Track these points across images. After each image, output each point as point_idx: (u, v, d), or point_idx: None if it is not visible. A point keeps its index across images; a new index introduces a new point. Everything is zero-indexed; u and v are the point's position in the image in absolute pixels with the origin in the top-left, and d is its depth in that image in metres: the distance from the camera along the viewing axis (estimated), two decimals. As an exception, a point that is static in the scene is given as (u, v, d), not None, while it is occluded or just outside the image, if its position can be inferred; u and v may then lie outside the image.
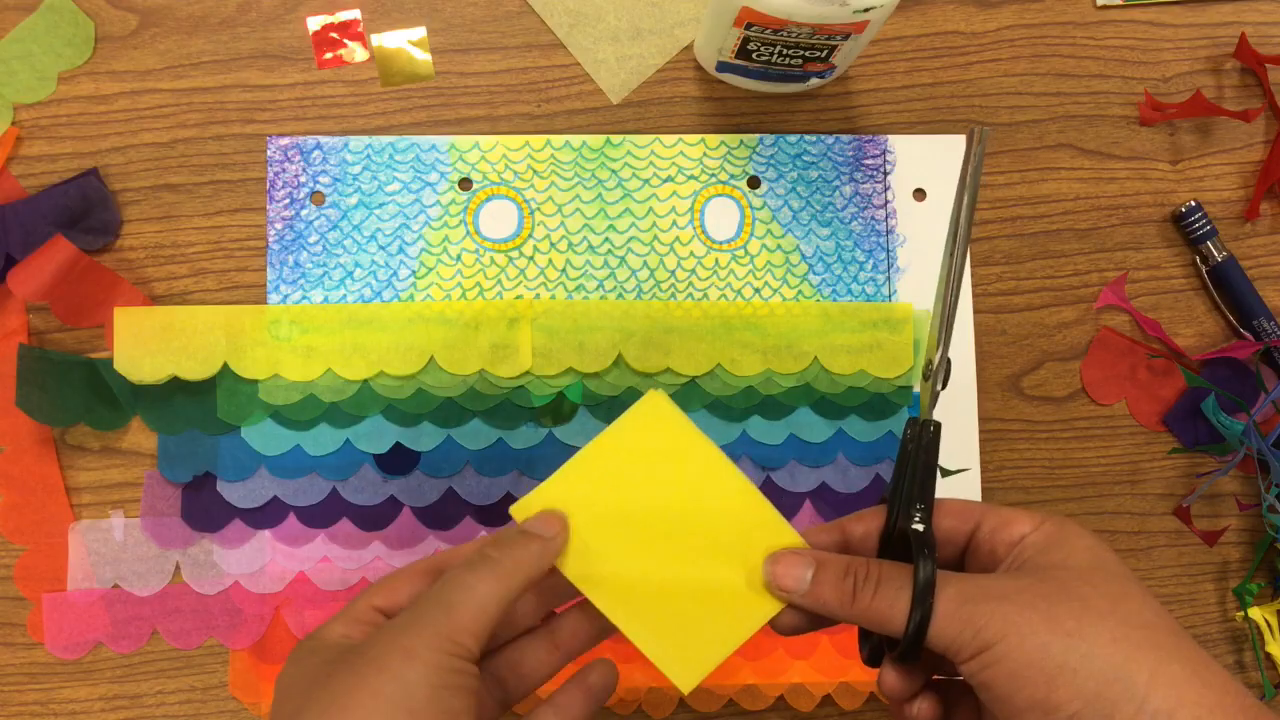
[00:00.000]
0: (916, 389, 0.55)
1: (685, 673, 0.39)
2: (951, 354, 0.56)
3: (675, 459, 0.41)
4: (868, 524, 0.39)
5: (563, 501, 0.40)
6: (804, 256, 0.56)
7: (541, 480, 0.41)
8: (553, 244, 0.55)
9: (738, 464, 0.54)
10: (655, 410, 0.41)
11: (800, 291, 0.56)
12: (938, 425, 0.38)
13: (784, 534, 0.40)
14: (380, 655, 0.34)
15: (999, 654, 0.32)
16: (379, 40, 0.56)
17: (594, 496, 0.40)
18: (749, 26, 0.49)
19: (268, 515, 0.53)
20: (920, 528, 0.37)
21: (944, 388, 0.39)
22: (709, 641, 0.40)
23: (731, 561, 0.40)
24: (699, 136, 0.56)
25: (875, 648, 0.39)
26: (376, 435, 0.53)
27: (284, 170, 0.55)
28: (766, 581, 0.39)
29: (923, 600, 0.34)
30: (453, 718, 0.33)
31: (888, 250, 0.56)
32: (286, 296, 0.54)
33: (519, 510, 0.40)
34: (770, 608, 0.40)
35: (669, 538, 0.40)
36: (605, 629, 0.41)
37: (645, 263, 0.55)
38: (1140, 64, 0.58)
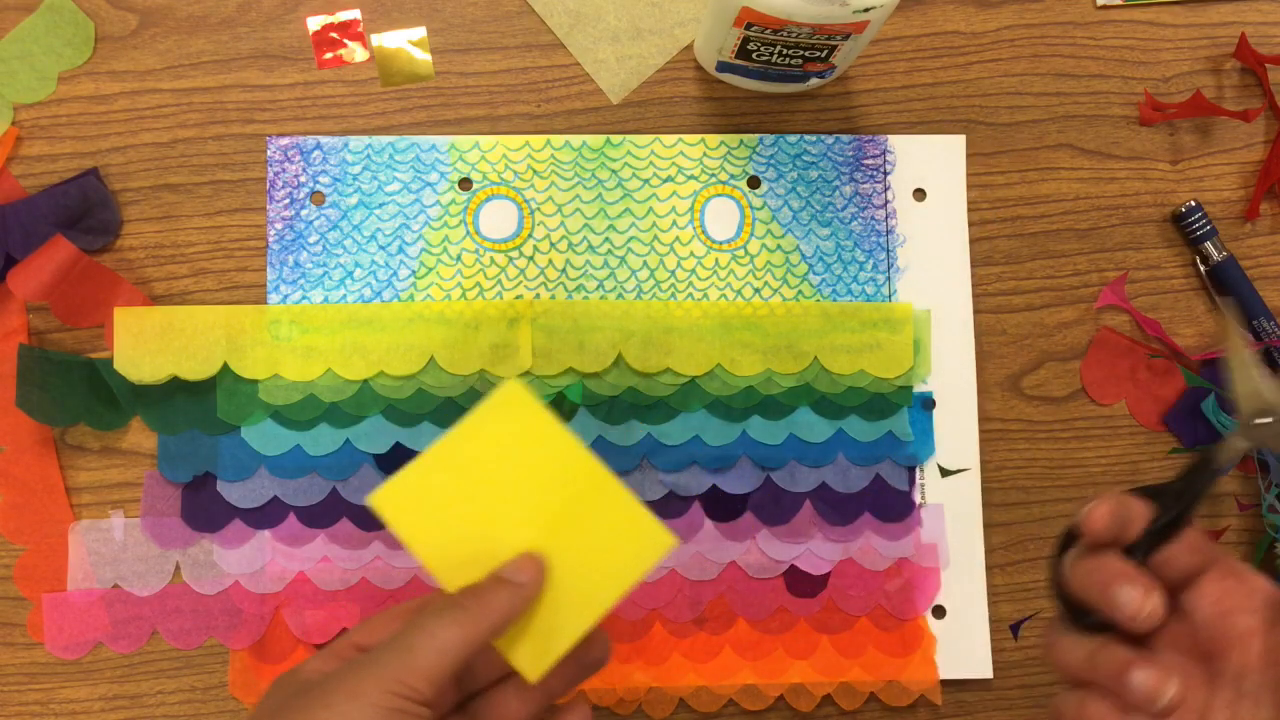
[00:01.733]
0: (917, 389, 0.55)
1: (532, 661, 0.39)
2: (952, 354, 0.56)
3: (534, 448, 0.41)
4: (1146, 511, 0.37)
5: (422, 488, 0.40)
6: (804, 256, 0.56)
7: None
8: (553, 244, 0.55)
9: (738, 465, 0.54)
10: (513, 399, 0.41)
11: (800, 291, 0.56)
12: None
13: (636, 514, 0.40)
14: (329, 693, 0.35)
15: None
16: (379, 40, 0.56)
17: (452, 484, 0.40)
18: (749, 26, 0.49)
19: (268, 515, 0.53)
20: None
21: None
22: (558, 627, 0.40)
23: (583, 546, 0.40)
24: (699, 136, 0.56)
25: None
26: (376, 435, 0.53)
27: (284, 170, 0.55)
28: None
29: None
30: None
31: (888, 250, 0.56)
32: (286, 296, 0.54)
33: (378, 499, 0.40)
34: (618, 589, 0.40)
35: (521, 525, 0.40)
36: (581, 675, 0.41)
37: (645, 263, 0.55)
38: (1140, 64, 0.58)
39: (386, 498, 0.40)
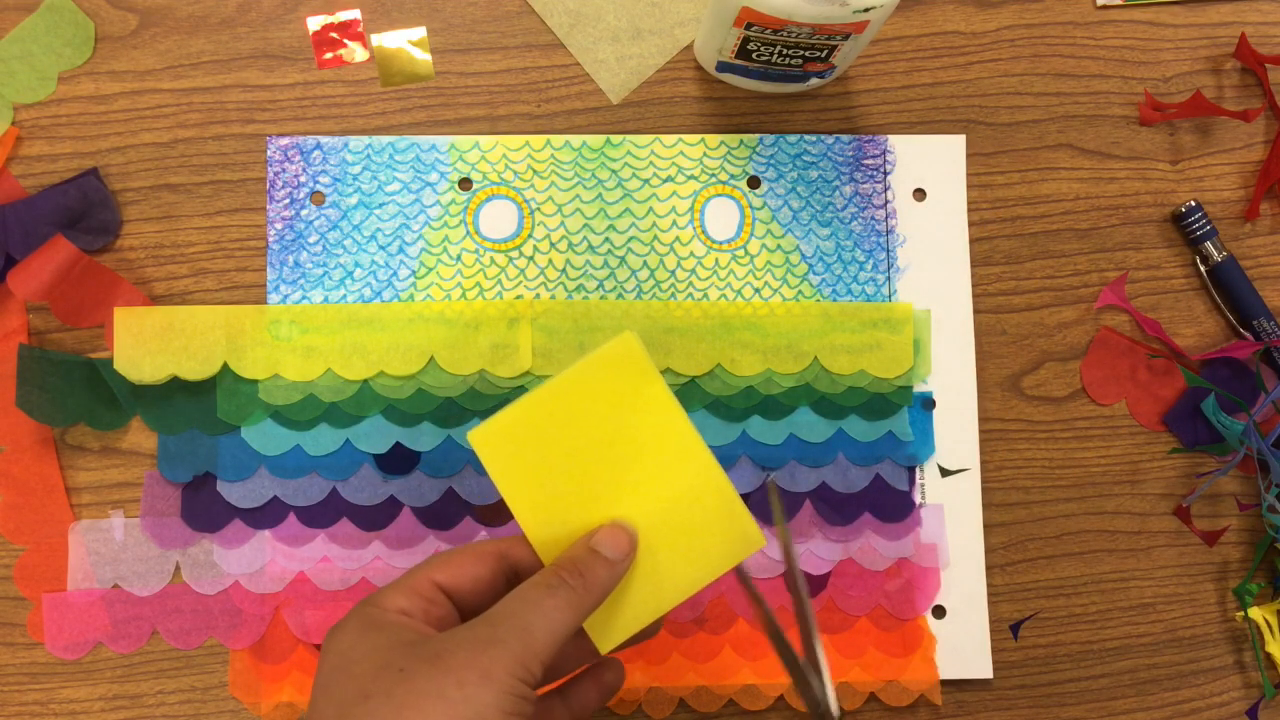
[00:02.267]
0: (917, 389, 0.55)
1: (605, 633, 0.39)
2: (952, 354, 0.56)
3: (638, 407, 0.40)
4: None
5: (520, 431, 0.39)
6: (804, 256, 0.56)
7: None
8: (553, 244, 0.55)
9: (737, 464, 0.54)
10: (625, 352, 0.40)
11: (800, 291, 0.56)
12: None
13: (733, 507, 0.39)
14: (459, 668, 0.34)
15: None
16: (379, 40, 0.56)
17: (551, 431, 0.39)
18: (749, 26, 0.49)
19: (268, 515, 0.53)
20: None
21: None
22: (637, 602, 0.39)
23: (673, 526, 0.39)
24: (699, 136, 0.56)
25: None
26: (376, 435, 0.53)
27: (284, 170, 0.55)
28: None
29: None
30: None
31: (888, 250, 0.56)
32: (286, 296, 0.54)
33: (477, 437, 0.39)
34: (702, 580, 0.39)
35: (614, 487, 0.39)
36: (613, 690, 0.41)
37: (645, 263, 0.55)
38: (1140, 64, 0.58)
39: (484, 436, 0.39)
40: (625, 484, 0.40)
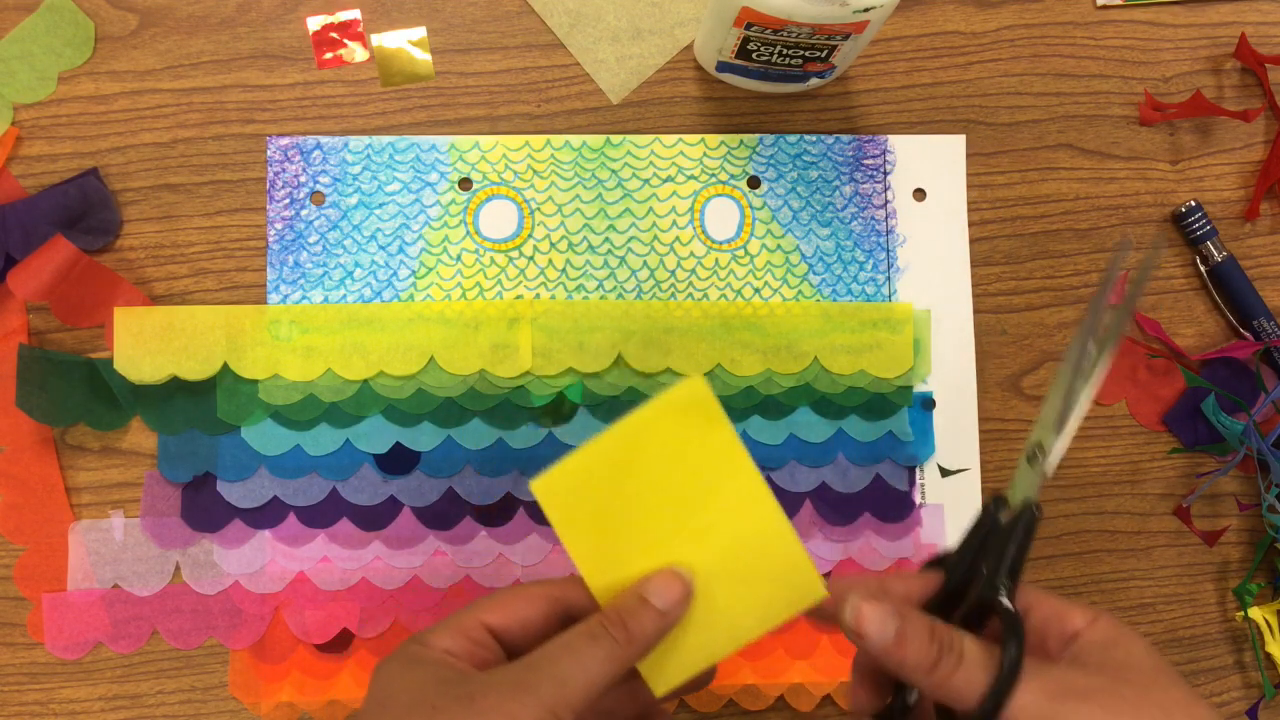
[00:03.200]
0: (917, 389, 0.55)
1: (663, 677, 0.38)
2: (952, 354, 0.56)
3: (704, 453, 0.39)
4: (911, 586, 0.38)
5: (583, 478, 0.39)
6: (804, 256, 0.56)
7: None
8: (553, 244, 0.55)
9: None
10: (694, 398, 0.39)
11: (800, 291, 0.56)
12: (1040, 508, 0.37)
13: (793, 550, 0.39)
14: (487, 711, 0.34)
15: None
16: (379, 40, 0.56)
17: (614, 477, 0.39)
18: (749, 26, 0.49)
19: (268, 515, 0.53)
20: (1010, 606, 0.35)
21: (1050, 473, 0.38)
22: (695, 647, 0.38)
23: (733, 573, 0.39)
24: (699, 136, 0.56)
25: (900, 709, 0.38)
26: (376, 435, 0.53)
27: (284, 170, 0.55)
28: (844, 622, 0.37)
29: (1007, 685, 0.33)
30: None
31: (888, 250, 0.56)
32: (286, 296, 0.54)
33: (539, 487, 0.39)
34: (760, 627, 0.39)
35: (678, 534, 0.39)
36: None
37: (645, 263, 0.55)
38: (1140, 64, 0.58)
39: (547, 486, 0.39)
40: (687, 529, 0.39)
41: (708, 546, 0.39)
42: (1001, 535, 0.36)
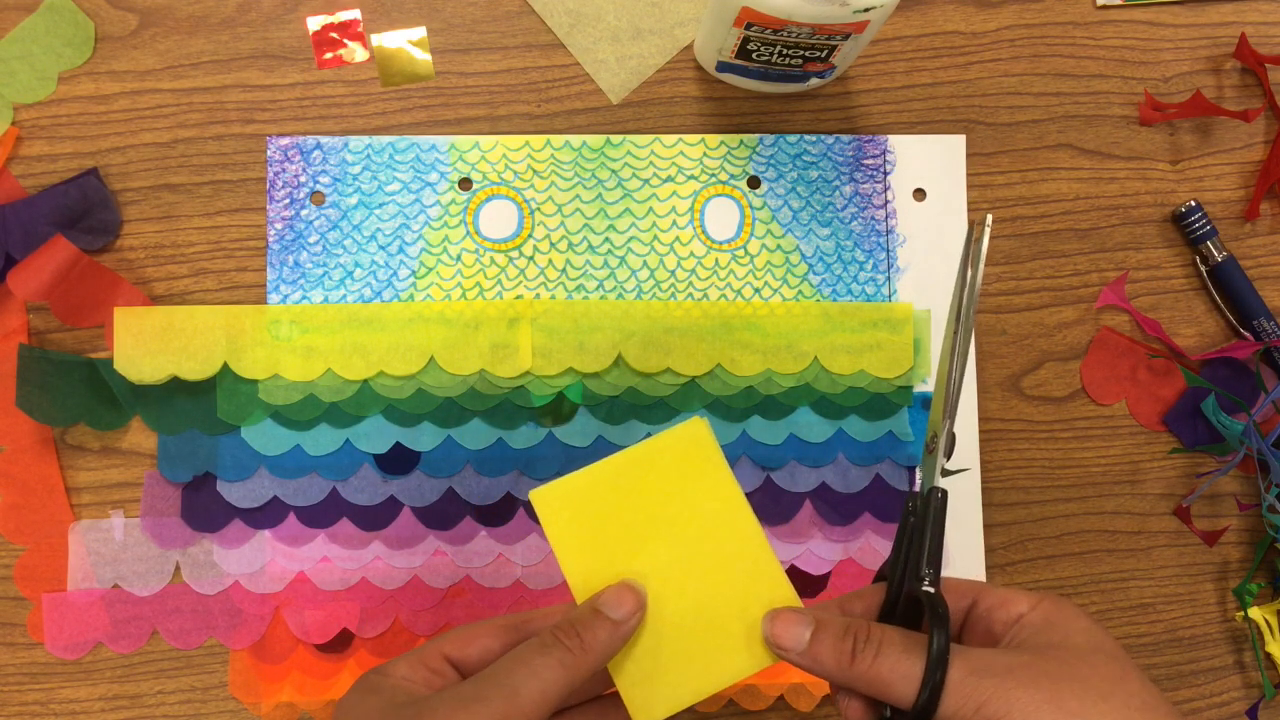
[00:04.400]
0: (917, 389, 0.55)
1: (646, 708, 0.39)
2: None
3: (699, 490, 0.40)
4: (867, 601, 0.39)
5: (581, 497, 0.40)
6: (804, 256, 0.56)
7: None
8: (553, 244, 0.55)
9: (738, 464, 0.54)
10: (693, 436, 0.40)
11: (800, 291, 0.56)
12: (945, 493, 0.38)
13: (783, 590, 0.39)
14: None
15: None
16: (379, 40, 0.56)
17: (611, 502, 0.40)
18: (749, 26, 0.49)
19: (268, 515, 0.53)
20: (932, 590, 0.36)
21: (949, 459, 0.39)
22: (679, 682, 0.39)
23: (724, 608, 0.39)
24: (699, 136, 0.56)
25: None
26: (376, 435, 0.53)
27: (284, 170, 0.55)
28: (765, 638, 0.38)
29: (938, 666, 0.33)
30: None
31: (888, 250, 0.56)
32: (286, 296, 0.54)
33: (539, 496, 0.40)
34: (750, 666, 0.39)
35: (670, 567, 0.40)
36: None
37: (645, 263, 0.55)
38: (1140, 64, 0.58)
39: (546, 497, 0.40)
40: (679, 562, 0.40)
41: (699, 582, 0.40)
42: (919, 528, 0.38)
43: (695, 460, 0.40)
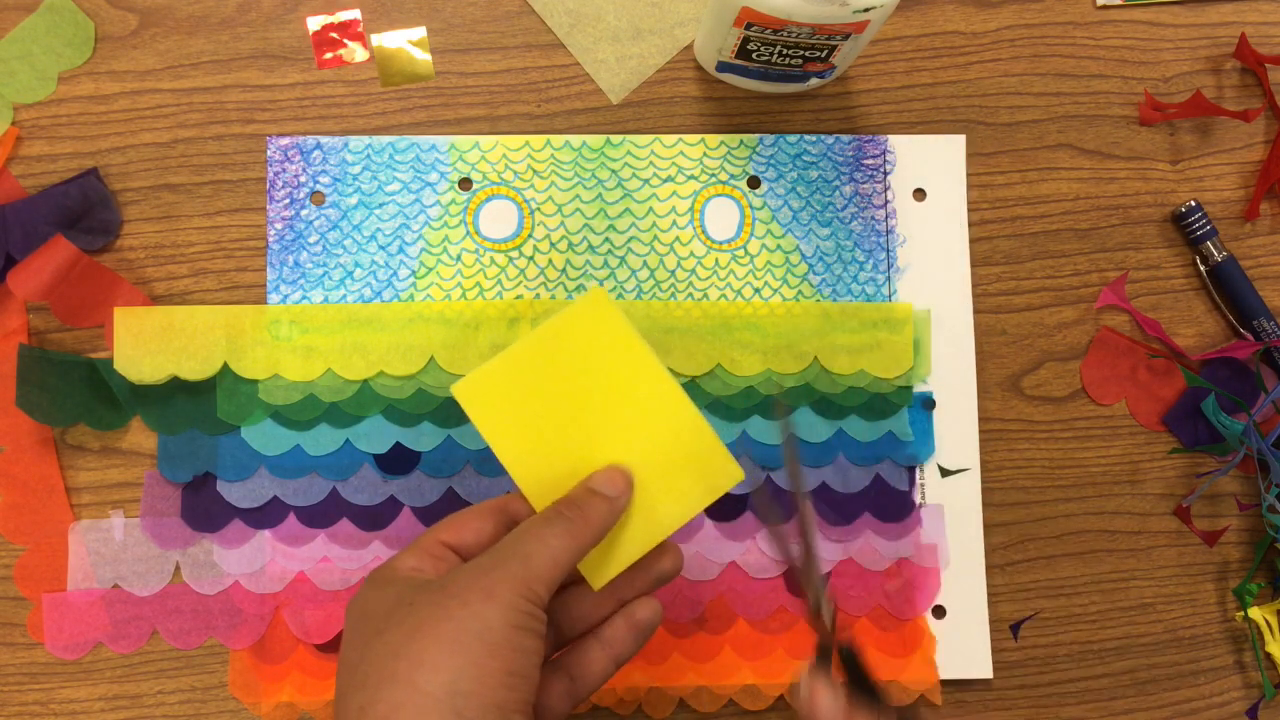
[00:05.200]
0: (917, 389, 0.55)
1: (598, 570, 0.41)
2: (952, 354, 0.56)
3: (613, 357, 0.42)
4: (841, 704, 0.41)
5: (502, 384, 0.42)
6: (804, 256, 0.56)
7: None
8: (553, 244, 0.55)
9: (737, 463, 0.54)
10: (595, 306, 0.42)
11: (800, 291, 0.56)
12: (851, 643, 0.41)
13: (711, 444, 0.42)
14: (462, 591, 0.36)
15: None
16: (379, 40, 0.56)
17: (531, 384, 0.42)
18: (749, 26, 0.49)
19: (268, 515, 0.53)
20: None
21: (831, 627, 0.42)
22: (622, 543, 0.41)
23: (654, 467, 0.42)
24: (699, 136, 0.56)
25: None
26: (376, 435, 0.53)
27: (284, 170, 0.55)
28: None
29: None
30: (525, 655, 0.36)
31: (888, 250, 0.56)
32: (286, 296, 0.54)
33: (459, 389, 0.42)
34: (685, 515, 0.42)
35: (597, 433, 0.42)
36: (653, 583, 0.43)
37: (645, 263, 0.55)
38: (1140, 64, 0.58)
39: (467, 389, 0.42)
40: (607, 429, 0.42)
41: (627, 445, 0.42)
42: (853, 680, 0.41)
43: (603, 329, 0.42)
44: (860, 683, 0.40)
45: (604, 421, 0.42)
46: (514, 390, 0.42)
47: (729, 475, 0.42)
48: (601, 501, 0.40)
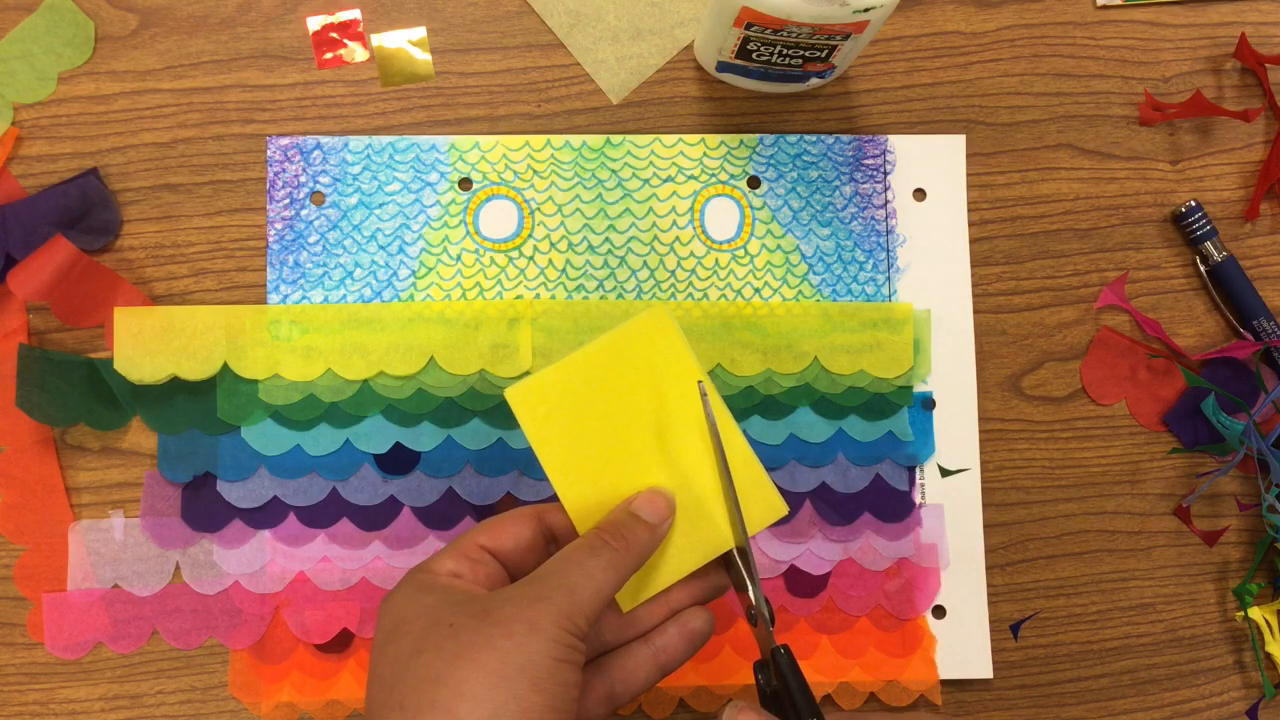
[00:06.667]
0: (917, 389, 0.55)
1: (628, 593, 0.41)
2: (952, 354, 0.56)
3: (666, 376, 0.42)
4: None
5: (554, 393, 0.41)
6: (804, 256, 0.56)
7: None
8: (553, 244, 0.55)
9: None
10: (656, 324, 0.42)
11: (800, 291, 0.56)
12: (787, 648, 0.40)
13: (758, 476, 0.41)
14: (507, 621, 0.36)
15: None
16: (379, 40, 0.56)
17: (584, 396, 0.41)
18: (749, 26, 0.49)
19: (268, 515, 0.53)
20: None
21: (772, 626, 0.41)
22: (658, 566, 0.41)
23: (696, 491, 0.41)
24: (699, 136, 0.56)
25: None
26: (376, 435, 0.53)
27: (284, 170, 0.55)
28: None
29: None
30: (566, 689, 0.36)
31: (888, 250, 0.56)
32: (286, 296, 0.54)
33: (515, 394, 0.41)
34: (720, 546, 0.41)
35: (643, 451, 0.41)
36: (710, 594, 0.43)
37: (645, 263, 0.55)
38: (1140, 64, 0.58)
39: (520, 394, 0.41)
40: (654, 449, 0.41)
41: (672, 467, 0.41)
42: (783, 689, 0.40)
43: (660, 347, 0.42)
44: (797, 689, 0.40)
45: (652, 440, 0.41)
46: (565, 400, 0.41)
47: (773, 509, 0.41)
48: (644, 529, 0.40)
